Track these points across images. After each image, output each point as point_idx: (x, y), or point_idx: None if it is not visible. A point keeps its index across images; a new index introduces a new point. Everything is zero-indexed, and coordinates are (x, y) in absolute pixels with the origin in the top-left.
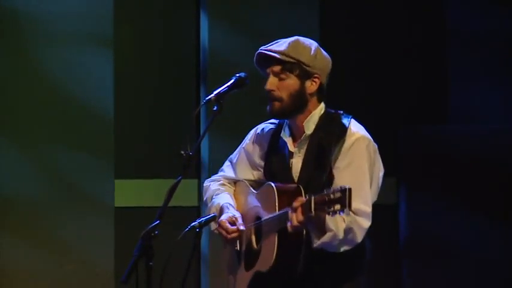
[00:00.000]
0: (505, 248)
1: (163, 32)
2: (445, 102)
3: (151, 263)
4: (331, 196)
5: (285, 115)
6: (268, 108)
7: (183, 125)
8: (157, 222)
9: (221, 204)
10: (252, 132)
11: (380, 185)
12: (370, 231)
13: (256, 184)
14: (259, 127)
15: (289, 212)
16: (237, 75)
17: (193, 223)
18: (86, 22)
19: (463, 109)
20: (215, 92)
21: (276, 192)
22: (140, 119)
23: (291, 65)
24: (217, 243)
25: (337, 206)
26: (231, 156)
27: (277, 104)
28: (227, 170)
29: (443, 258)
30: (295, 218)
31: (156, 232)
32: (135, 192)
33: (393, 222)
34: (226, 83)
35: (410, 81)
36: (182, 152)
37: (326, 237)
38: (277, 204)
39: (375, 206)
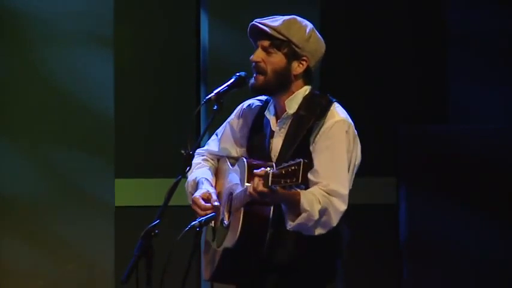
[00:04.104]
0: (505, 247)
1: (163, 32)
2: (445, 102)
3: (151, 263)
4: (288, 169)
5: (267, 91)
6: (251, 82)
7: (183, 124)
8: (158, 221)
9: (197, 179)
10: (239, 107)
11: (354, 173)
12: (370, 231)
13: (236, 161)
14: (246, 103)
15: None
16: (237, 74)
17: (194, 222)
18: (86, 22)
19: (463, 109)
20: (215, 91)
21: (246, 167)
22: (140, 119)
23: (280, 42)
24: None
25: (293, 179)
26: (218, 130)
27: (260, 78)
28: (212, 144)
29: (443, 258)
30: (253, 185)
31: (156, 231)
32: (135, 192)
33: (393, 222)
34: (226, 82)
35: (410, 81)
36: (182, 151)
37: (301, 218)
38: (245, 178)
39: (375, 206)
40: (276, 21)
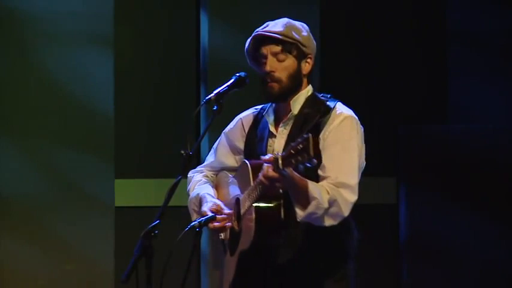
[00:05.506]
0: (505, 247)
1: (163, 32)
2: (445, 102)
3: (151, 263)
4: (297, 148)
5: (284, 97)
6: (265, 90)
7: (183, 125)
8: (157, 221)
9: (200, 195)
10: (235, 118)
11: (361, 172)
12: (370, 231)
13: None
14: (243, 113)
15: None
16: (237, 74)
17: (193, 223)
18: (86, 22)
19: (463, 109)
20: (215, 92)
21: (250, 168)
22: (140, 119)
23: (290, 45)
24: (217, 242)
25: (304, 155)
26: (214, 144)
27: (276, 85)
28: (209, 158)
29: (443, 258)
30: (263, 172)
31: (156, 232)
32: (135, 192)
33: (393, 222)
34: (226, 82)
35: (410, 81)
36: (182, 152)
37: (311, 207)
38: (251, 178)
39: (375, 206)
40: (275, 26)
